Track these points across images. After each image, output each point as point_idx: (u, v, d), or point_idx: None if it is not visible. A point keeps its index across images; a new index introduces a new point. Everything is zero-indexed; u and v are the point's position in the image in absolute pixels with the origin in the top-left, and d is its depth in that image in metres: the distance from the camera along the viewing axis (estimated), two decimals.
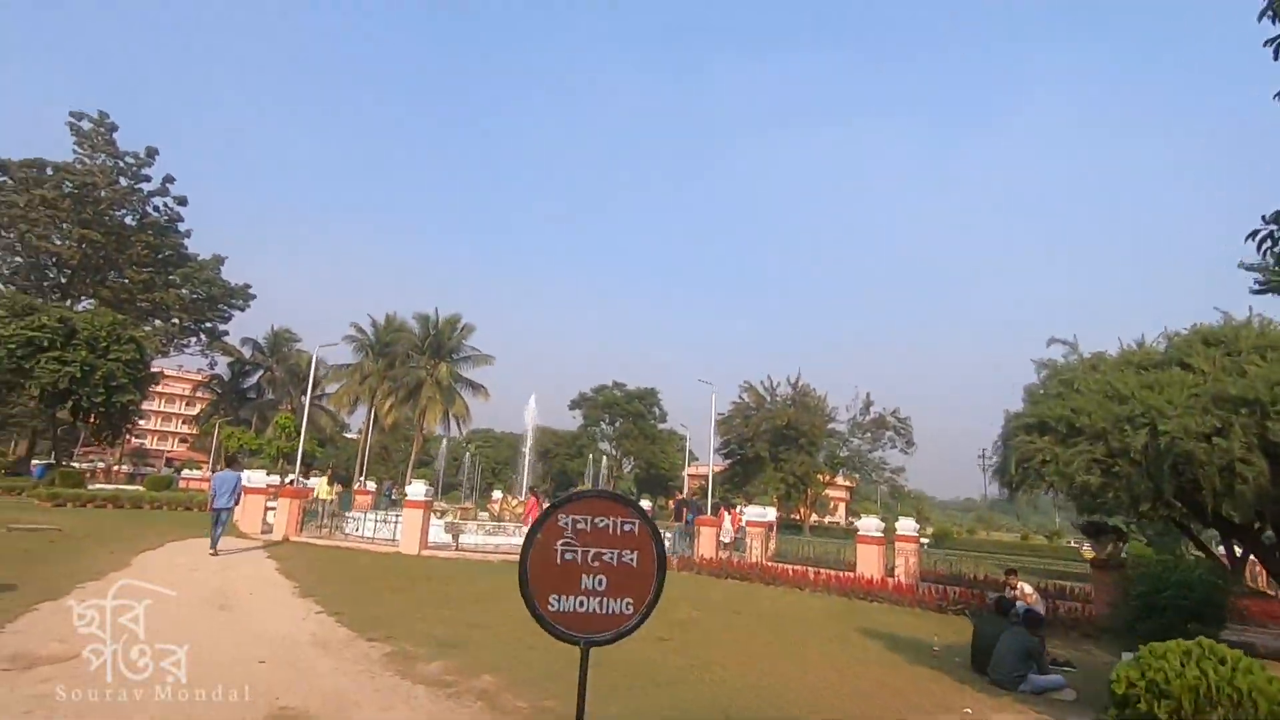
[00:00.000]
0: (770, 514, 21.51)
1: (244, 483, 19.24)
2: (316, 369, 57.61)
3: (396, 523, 16.15)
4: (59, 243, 42.53)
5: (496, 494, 30.29)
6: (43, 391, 35.82)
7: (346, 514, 19.27)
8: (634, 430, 60.09)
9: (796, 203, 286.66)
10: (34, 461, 39.76)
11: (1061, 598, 13.33)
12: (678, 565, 16.54)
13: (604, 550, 3.26)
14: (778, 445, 47.99)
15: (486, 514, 22.88)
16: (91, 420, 38.53)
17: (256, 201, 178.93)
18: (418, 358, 48.42)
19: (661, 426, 63.85)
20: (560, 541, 3.24)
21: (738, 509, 26.01)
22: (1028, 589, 10.70)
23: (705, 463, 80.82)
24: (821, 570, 15.91)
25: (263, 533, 17.81)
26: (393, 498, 25.67)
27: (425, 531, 15.78)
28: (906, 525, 17.11)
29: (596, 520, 3.29)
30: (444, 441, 48.42)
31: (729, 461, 53.76)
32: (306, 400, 21.36)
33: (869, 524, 16.02)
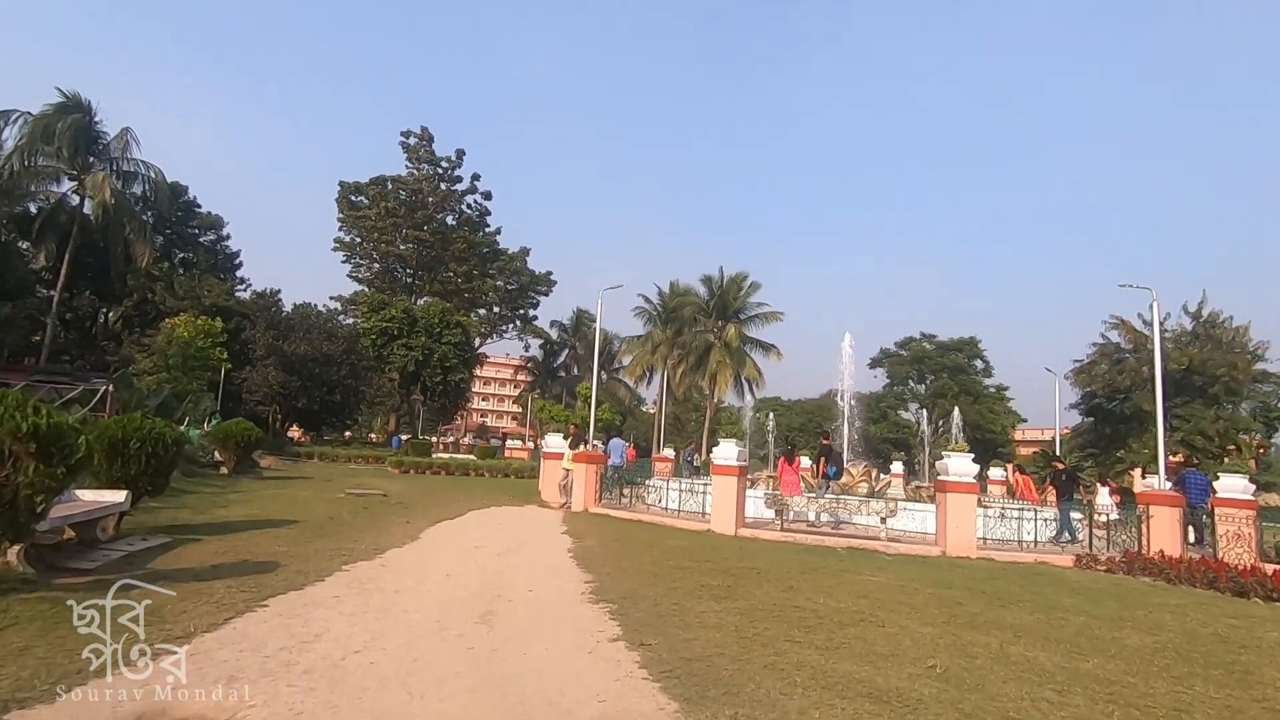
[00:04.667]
0: (1250, 489, 13.79)
1: (546, 449, 18.24)
2: (608, 344, 59.84)
3: (705, 493, 12.96)
4: (402, 247, 49.26)
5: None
6: (400, 374, 41.45)
7: (648, 483, 16.87)
8: (953, 387, 50.91)
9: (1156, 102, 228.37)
10: (401, 436, 46.57)
11: None
12: (1121, 565, 10.62)
13: None
14: (1170, 397, 35.82)
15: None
16: (436, 398, 43.77)
17: (539, 186, 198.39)
18: (704, 321, 46.44)
19: (987, 382, 53.39)
20: None
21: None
22: None
23: (1037, 426, 66.85)
24: None
25: (564, 501, 16.17)
26: (695, 465, 23.18)
27: (741, 505, 12.27)
28: None
29: None
30: (749, 400, 45.42)
31: (1089, 421, 42.35)
32: (595, 363, 19.47)
33: None
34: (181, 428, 18.79)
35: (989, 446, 53.30)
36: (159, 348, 28.55)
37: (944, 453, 11.75)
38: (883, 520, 11.86)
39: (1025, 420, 65.17)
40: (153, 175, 37.93)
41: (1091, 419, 41.15)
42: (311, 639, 4.94)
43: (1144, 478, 24.32)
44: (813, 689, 4.41)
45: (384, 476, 23.36)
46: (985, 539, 11.48)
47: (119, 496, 7.85)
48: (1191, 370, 34.14)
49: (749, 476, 17.03)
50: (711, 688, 4.32)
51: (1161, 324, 37.81)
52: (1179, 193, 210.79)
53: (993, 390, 53.58)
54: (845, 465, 19.13)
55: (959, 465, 11.18)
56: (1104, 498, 23.41)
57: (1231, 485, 13.14)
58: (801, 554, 10.47)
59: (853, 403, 21.03)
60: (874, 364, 56.44)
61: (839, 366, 20.92)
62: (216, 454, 18.82)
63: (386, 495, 15.92)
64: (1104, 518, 14.35)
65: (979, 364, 53.56)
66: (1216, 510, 13.20)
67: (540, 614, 6.10)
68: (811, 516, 13.49)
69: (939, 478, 11.47)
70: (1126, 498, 24.29)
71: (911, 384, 54.81)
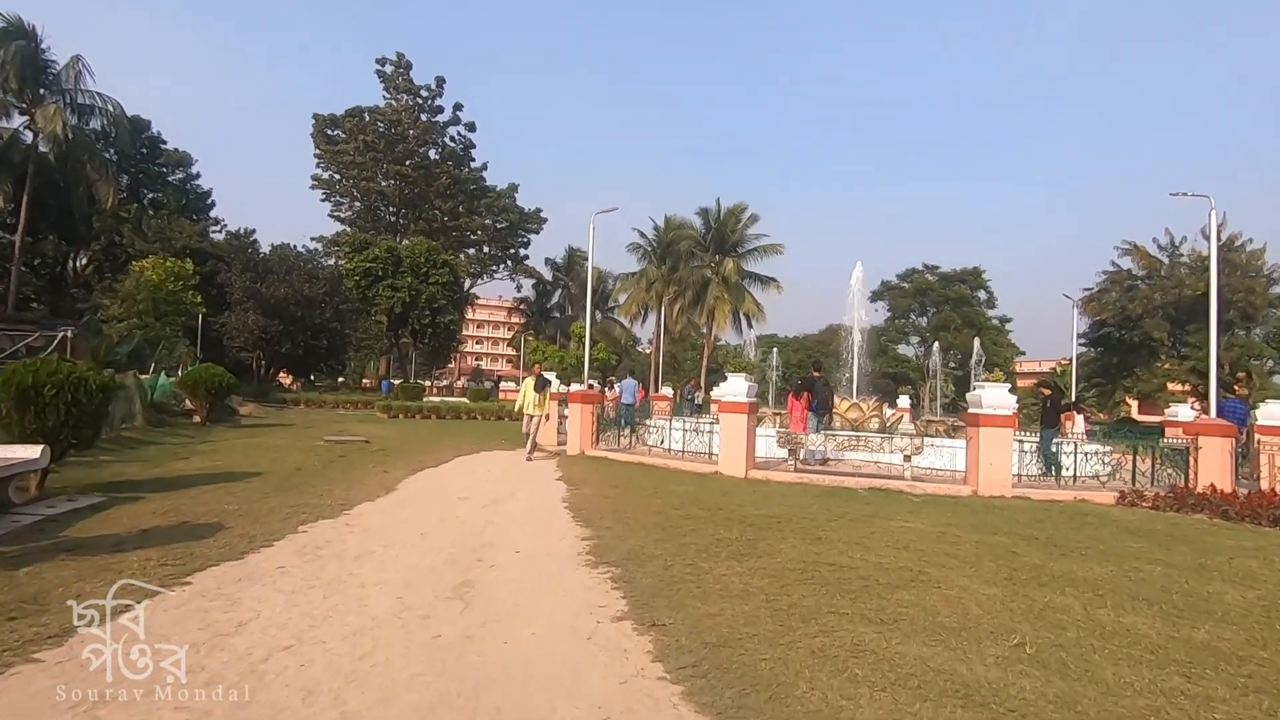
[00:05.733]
0: None
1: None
2: (603, 283, 58.17)
3: (712, 432, 11.92)
4: (383, 183, 46.96)
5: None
6: (388, 317, 40.05)
7: (648, 423, 15.84)
8: (955, 319, 49.78)
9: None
10: (392, 380, 45.48)
11: None
12: (1169, 502, 9.67)
13: None
14: (1183, 324, 34.86)
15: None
16: (426, 340, 42.50)
17: (525, 120, 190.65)
18: (701, 255, 44.76)
19: (990, 314, 52.25)
20: None
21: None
22: None
23: (1034, 358, 66.08)
24: None
25: (559, 444, 15.19)
26: (696, 402, 22.21)
27: (752, 445, 11.25)
28: None
29: None
30: (752, 334, 43.83)
31: (1095, 351, 41.41)
32: (588, 296, 18.22)
33: None
34: (145, 376, 17.62)
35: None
36: (128, 292, 27.05)
37: (975, 383, 10.68)
38: (906, 458, 10.86)
39: (1024, 353, 64.55)
40: (110, 108, 35.37)
41: (1098, 349, 40.24)
42: (231, 631, 3.86)
43: (1167, 407, 23.52)
44: (882, 686, 3.36)
45: (371, 422, 22.37)
46: (1019, 476, 10.52)
47: (33, 452, 6.70)
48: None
49: (764, 412, 16.01)
50: (751, 690, 3.27)
51: (1177, 247, 36.66)
52: (1196, 108, 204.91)
53: (996, 322, 52.58)
54: (856, 400, 18.13)
55: (994, 396, 10.10)
56: (1078, 426, 22.52)
57: (1276, 413, 12.17)
58: (820, 497, 9.49)
59: (861, 337, 19.86)
60: (875, 297, 55.03)
61: (849, 298, 19.66)
62: (188, 402, 17.70)
63: (368, 442, 14.88)
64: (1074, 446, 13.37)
65: (982, 295, 52.35)
66: (1263, 439, 12.29)
67: (528, 583, 5.04)
68: (819, 454, 12.47)
69: (970, 410, 10.41)
70: (1128, 426, 23.45)
71: (913, 317, 53.63)
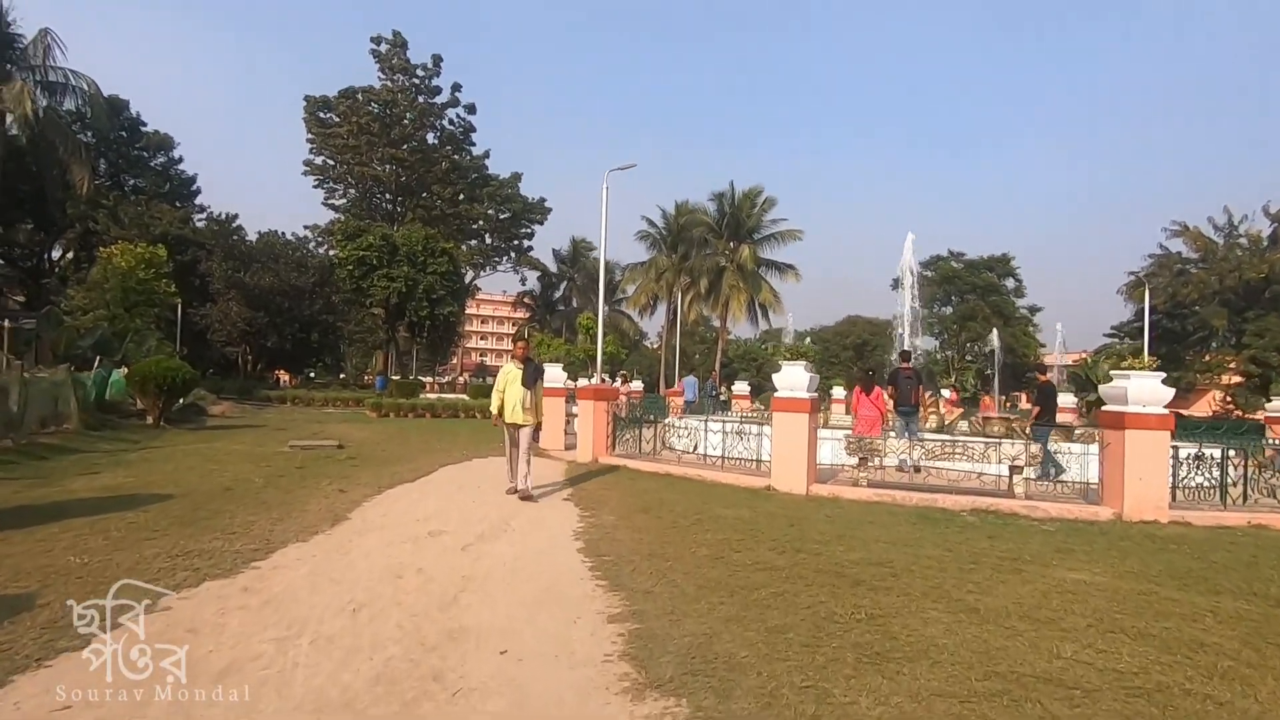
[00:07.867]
0: None
1: (546, 384, 14.70)
2: (610, 273, 55.73)
3: (761, 436, 9.48)
4: (379, 168, 44.54)
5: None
6: (384, 309, 37.73)
7: (673, 422, 13.41)
8: (983, 308, 47.07)
9: None
10: (388, 376, 43.14)
11: None
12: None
13: None
14: (1242, 311, 32.14)
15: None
16: (425, 334, 40.16)
17: (528, 107, 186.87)
18: (715, 242, 42.19)
19: (1019, 303, 49.52)
20: None
21: None
22: None
23: (1063, 350, 63.42)
24: None
25: (566, 448, 12.81)
26: (720, 398, 19.79)
27: (813, 453, 8.80)
28: None
29: None
30: (789, 320, 40.80)
31: (1135, 342, 38.73)
32: (601, 263, 15.92)
33: None
34: (88, 373, 15.36)
35: (1019, 371, 50.03)
36: (95, 281, 24.81)
37: (1113, 372, 8.22)
38: (1015, 469, 8.40)
39: (1044, 345, 61.88)
40: (85, 87, 33.08)
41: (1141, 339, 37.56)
42: None
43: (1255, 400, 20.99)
44: None
45: (358, 421, 20.08)
46: (1172, 493, 8.05)
47: None
48: (1271, 279, 30.30)
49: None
50: None
51: (1235, 227, 33.93)
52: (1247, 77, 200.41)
53: (1025, 312, 49.86)
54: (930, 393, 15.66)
55: (1144, 389, 7.62)
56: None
57: None
58: (919, 526, 7.06)
59: (914, 316, 17.41)
60: (896, 284, 52.37)
61: (899, 270, 17.22)
62: (139, 401, 15.42)
63: (342, 447, 12.55)
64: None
65: (1010, 283, 49.62)
66: None
67: None
68: (893, 461, 10.02)
69: (1109, 407, 7.94)
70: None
71: (938, 306, 50.91)
